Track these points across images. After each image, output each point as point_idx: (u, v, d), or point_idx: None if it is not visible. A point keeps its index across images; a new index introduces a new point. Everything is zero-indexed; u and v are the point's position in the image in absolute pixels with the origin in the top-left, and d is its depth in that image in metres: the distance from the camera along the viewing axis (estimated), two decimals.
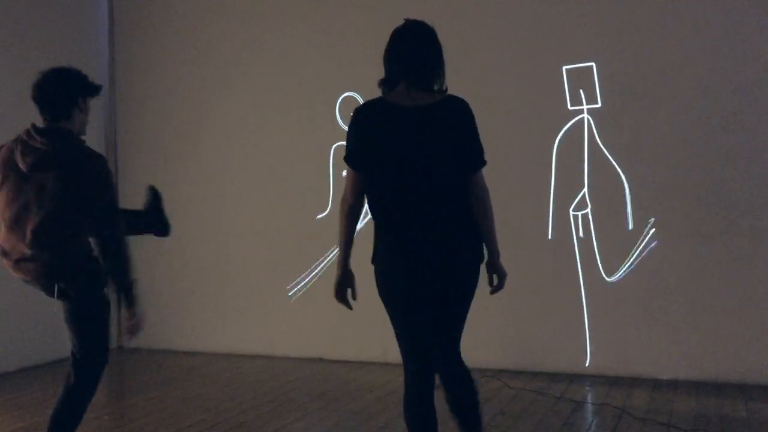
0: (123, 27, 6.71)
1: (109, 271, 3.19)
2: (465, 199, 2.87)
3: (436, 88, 2.89)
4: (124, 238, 3.27)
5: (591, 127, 5.33)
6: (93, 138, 6.62)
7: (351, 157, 2.85)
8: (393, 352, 5.85)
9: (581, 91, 5.27)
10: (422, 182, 2.78)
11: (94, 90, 3.31)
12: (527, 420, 4.38)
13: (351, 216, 2.91)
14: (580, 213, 5.37)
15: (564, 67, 5.32)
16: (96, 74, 6.66)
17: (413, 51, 2.86)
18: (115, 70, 6.74)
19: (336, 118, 5.97)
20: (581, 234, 5.35)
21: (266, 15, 6.27)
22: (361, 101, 5.85)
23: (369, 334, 5.86)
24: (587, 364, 5.35)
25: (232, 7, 6.38)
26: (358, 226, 3.00)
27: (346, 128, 6.09)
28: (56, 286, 3.14)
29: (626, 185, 5.27)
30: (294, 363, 5.95)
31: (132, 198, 6.75)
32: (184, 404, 4.83)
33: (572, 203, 5.39)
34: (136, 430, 4.32)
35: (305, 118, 6.13)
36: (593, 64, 5.27)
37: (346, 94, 5.93)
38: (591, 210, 5.36)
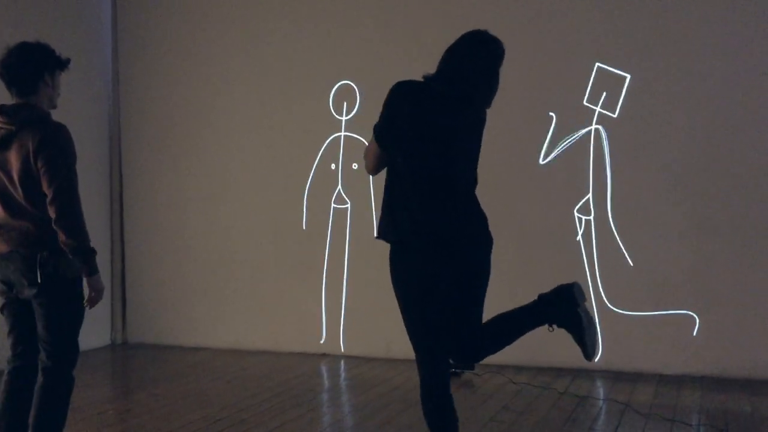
0: (126, 24, 6.70)
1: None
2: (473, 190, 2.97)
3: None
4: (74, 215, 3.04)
5: (599, 133, 5.31)
6: (97, 134, 6.64)
7: (381, 132, 2.82)
8: (397, 348, 5.90)
9: (604, 93, 5.25)
10: (452, 168, 2.82)
11: (60, 64, 3.21)
12: (531, 415, 4.38)
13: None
14: (584, 216, 5.36)
15: (597, 64, 5.28)
16: (100, 71, 6.69)
17: (468, 70, 2.81)
18: (118, 67, 6.74)
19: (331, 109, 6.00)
20: (582, 230, 5.34)
21: (268, 9, 6.26)
22: (357, 90, 5.92)
23: (373, 329, 5.87)
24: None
25: (234, 2, 6.37)
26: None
27: (340, 118, 6.24)
28: (38, 256, 3.04)
29: (630, 186, 5.27)
30: (298, 358, 5.96)
31: (136, 193, 6.78)
32: (189, 399, 4.84)
33: (578, 201, 5.37)
34: (140, 425, 4.33)
35: (308, 112, 6.13)
36: (629, 76, 5.22)
37: (341, 83, 5.94)
38: (594, 210, 5.34)
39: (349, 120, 6.00)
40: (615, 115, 5.27)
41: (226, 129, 6.41)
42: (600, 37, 5.38)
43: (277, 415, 4.47)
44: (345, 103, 5.95)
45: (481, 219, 2.95)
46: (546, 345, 5.41)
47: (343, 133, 6.01)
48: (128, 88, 6.71)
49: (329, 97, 6.01)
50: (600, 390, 4.89)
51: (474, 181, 2.98)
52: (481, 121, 2.95)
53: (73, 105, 6.30)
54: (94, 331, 6.32)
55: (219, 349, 6.33)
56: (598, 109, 5.29)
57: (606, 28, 5.37)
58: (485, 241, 2.94)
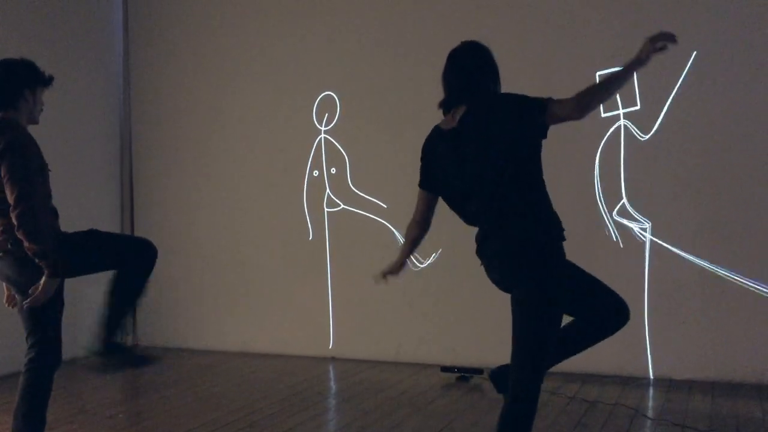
0: (137, 30, 6.75)
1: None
2: (526, 196, 2.76)
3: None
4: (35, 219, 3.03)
5: (630, 130, 5.22)
6: (108, 139, 6.67)
7: (420, 182, 3.00)
8: (405, 352, 5.90)
9: (618, 95, 4.99)
10: (472, 200, 2.81)
11: (42, 81, 3.27)
12: (540, 420, 4.33)
13: (411, 228, 3.06)
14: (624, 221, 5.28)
15: (598, 73, 5.07)
16: (111, 76, 6.73)
17: (452, 74, 2.88)
18: (129, 72, 6.78)
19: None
20: (614, 237, 5.30)
21: (275, 17, 6.30)
22: (337, 100, 5.98)
23: (382, 333, 5.87)
24: (600, 365, 5.32)
25: (242, 10, 6.41)
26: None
27: (323, 127, 6.28)
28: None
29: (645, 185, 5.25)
30: (307, 362, 5.96)
31: (146, 198, 6.82)
32: (198, 403, 4.86)
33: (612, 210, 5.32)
34: (150, 428, 4.34)
35: (314, 116, 6.16)
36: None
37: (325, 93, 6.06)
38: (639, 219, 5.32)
39: (328, 129, 6.06)
40: (639, 107, 5.15)
41: (234, 134, 6.44)
42: (594, 47, 5.29)
43: (285, 418, 4.47)
44: (326, 114, 6.02)
45: (520, 242, 2.75)
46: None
47: (323, 136, 6.06)
48: (139, 94, 6.76)
49: (313, 106, 6.09)
50: (609, 395, 4.87)
51: (521, 180, 2.73)
52: (495, 111, 2.73)
53: (85, 109, 6.35)
54: None
55: (228, 353, 6.35)
56: (620, 111, 5.19)
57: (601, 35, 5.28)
58: (519, 264, 2.77)
